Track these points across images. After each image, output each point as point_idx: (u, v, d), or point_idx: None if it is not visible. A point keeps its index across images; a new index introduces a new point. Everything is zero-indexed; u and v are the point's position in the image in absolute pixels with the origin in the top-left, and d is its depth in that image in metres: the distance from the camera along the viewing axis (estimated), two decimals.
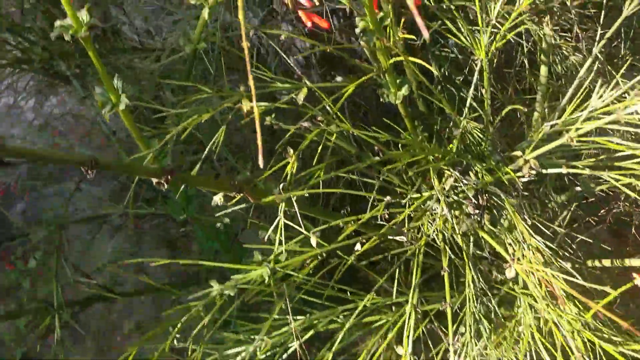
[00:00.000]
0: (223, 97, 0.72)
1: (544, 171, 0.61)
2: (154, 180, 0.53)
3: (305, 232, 0.61)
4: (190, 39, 0.74)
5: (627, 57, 0.88)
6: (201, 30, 0.71)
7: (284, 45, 0.89)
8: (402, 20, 0.68)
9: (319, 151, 0.67)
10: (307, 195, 0.68)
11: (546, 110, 0.81)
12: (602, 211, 0.90)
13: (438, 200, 0.67)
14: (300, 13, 0.54)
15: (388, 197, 0.67)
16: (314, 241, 0.59)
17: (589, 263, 0.74)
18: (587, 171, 0.58)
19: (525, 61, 0.88)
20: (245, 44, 0.54)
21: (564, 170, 0.59)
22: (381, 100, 0.74)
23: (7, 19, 1.22)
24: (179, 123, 0.75)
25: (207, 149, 0.72)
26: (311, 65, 0.89)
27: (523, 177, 0.61)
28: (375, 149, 0.70)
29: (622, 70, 0.66)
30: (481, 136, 0.76)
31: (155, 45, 1.06)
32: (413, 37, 0.56)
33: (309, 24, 0.54)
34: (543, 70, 0.79)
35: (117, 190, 1.43)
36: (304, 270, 0.62)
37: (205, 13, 0.65)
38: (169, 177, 0.52)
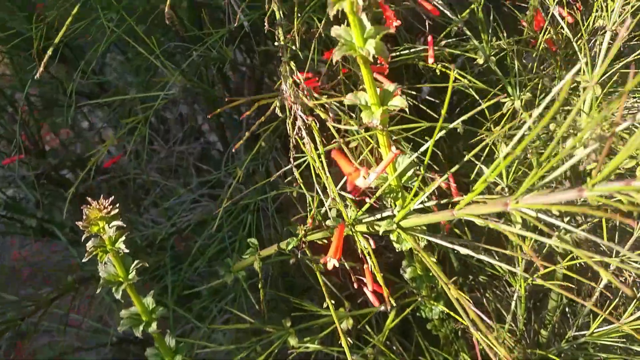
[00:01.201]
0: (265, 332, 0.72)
1: None
2: None
3: None
4: (230, 270, 0.75)
5: None
6: (245, 266, 0.72)
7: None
8: None
9: None
10: None
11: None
12: None
13: None
14: (369, 294, 0.56)
15: None
16: None
17: None
18: None
19: None
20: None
21: None
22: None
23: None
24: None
25: None
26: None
27: None
28: None
29: None
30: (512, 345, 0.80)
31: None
32: (466, 297, 0.59)
33: (376, 304, 0.56)
34: (553, 298, 0.84)
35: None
36: None
37: (256, 266, 0.66)
38: None
